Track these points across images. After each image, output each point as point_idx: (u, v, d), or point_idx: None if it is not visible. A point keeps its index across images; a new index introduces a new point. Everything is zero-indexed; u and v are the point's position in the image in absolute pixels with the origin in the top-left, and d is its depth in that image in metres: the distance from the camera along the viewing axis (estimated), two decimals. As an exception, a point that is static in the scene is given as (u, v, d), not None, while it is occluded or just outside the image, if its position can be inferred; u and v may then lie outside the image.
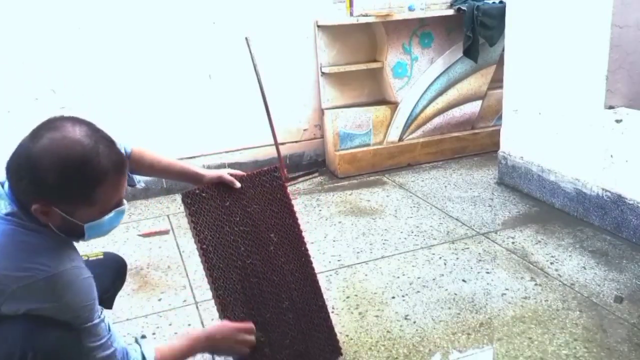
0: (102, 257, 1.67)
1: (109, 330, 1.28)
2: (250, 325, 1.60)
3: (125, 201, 1.27)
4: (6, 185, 1.18)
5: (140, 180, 1.64)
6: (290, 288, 1.77)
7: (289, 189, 3.72)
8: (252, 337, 1.59)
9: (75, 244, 1.27)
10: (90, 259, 1.61)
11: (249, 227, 1.73)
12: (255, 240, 1.73)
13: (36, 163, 1.09)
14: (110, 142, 1.18)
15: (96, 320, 1.23)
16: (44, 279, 1.13)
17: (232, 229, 1.70)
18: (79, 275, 1.20)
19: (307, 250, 1.84)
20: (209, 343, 1.54)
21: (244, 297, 1.67)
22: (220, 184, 1.71)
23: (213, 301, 1.70)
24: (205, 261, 1.65)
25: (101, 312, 1.27)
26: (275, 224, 1.78)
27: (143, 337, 1.43)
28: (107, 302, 1.61)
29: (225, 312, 1.64)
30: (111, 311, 1.78)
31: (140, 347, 1.37)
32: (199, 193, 1.67)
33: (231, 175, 1.74)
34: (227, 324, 1.58)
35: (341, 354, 1.87)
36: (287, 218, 1.82)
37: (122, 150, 1.39)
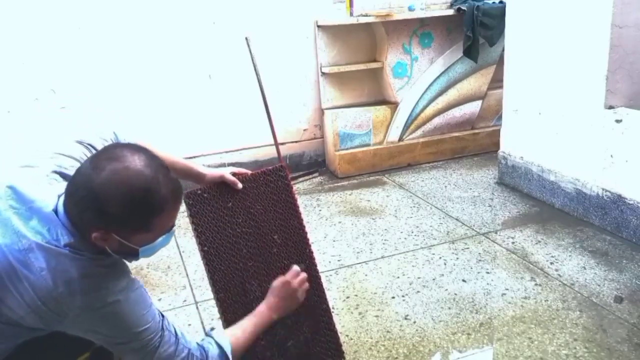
0: None
1: (176, 334, 1.31)
2: (293, 271, 1.59)
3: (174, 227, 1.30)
4: (60, 210, 1.17)
5: None
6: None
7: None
8: (301, 277, 1.59)
9: None
10: None
11: (251, 229, 1.70)
12: (258, 242, 1.70)
13: (100, 195, 1.10)
14: (167, 170, 1.19)
15: (159, 332, 1.26)
16: (103, 304, 1.17)
17: (235, 231, 1.67)
18: (131, 293, 1.23)
19: (312, 252, 1.80)
20: (272, 309, 1.54)
21: (244, 299, 1.66)
22: (223, 184, 1.68)
23: (214, 302, 1.70)
24: (206, 263, 1.63)
25: (161, 319, 1.29)
26: (279, 225, 1.74)
27: (212, 329, 1.44)
28: None
29: (225, 314, 1.63)
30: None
31: (214, 339, 1.39)
32: (201, 194, 1.65)
33: (235, 174, 1.71)
34: (275, 284, 1.58)
35: (344, 358, 1.85)
36: (292, 219, 1.77)
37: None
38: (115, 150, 1.16)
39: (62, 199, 1.17)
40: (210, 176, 1.68)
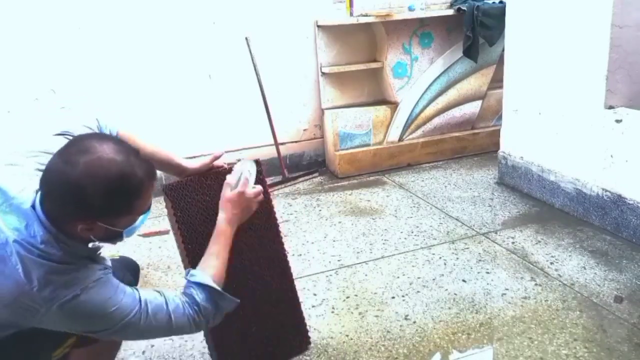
0: (117, 257, 1.69)
1: (163, 295, 1.33)
2: (244, 181, 1.58)
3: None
4: (37, 206, 1.19)
5: None
6: (266, 284, 1.82)
7: (291, 188, 3.75)
8: (258, 189, 1.60)
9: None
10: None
11: None
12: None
13: (80, 189, 1.12)
14: (137, 152, 1.22)
15: (138, 305, 1.27)
16: (72, 297, 1.18)
17: (214, 225, 1.68)
18: (98, 283, 1.24)
19: (283, 245, 1.87)
20: (232, 222, 1.54)
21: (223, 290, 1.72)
22: (202, 176, 1.69)
23: None
24: (187, 255, 1.66)
25: (137, 292, 1.30)
26: (254, 219, 1.76)
27: (190, 274, 1.44)
28: None
29: None
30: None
31: (195, 282, 1.40)
32: (182, 186, 1.66)
33: (213, 167, 1.73)
34: (229, 195, 1.56)
35: (309, 343, 1.97)
36: (266, 213, 1.81)
37: (108, 132, 1.51)
38: (83, 142, 1.18)
39: (39, 194, 1.20)
40: (192, 169, 1.68)
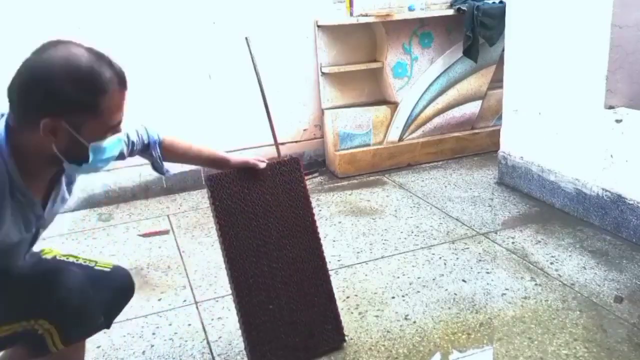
0: (108, 270, 1.51)
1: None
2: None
3: (122, 128, 1.28)
4: (1, 129, 1.18)
5: (169, 170, 1.78)
6: (300, 275, 1.85)
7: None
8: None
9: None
10: (97, 267, 1.49)
11: (266, 214, 1.80)
12: (271, 227, 1.81)
13: (48, 73, 1.12)
14: (110, 61, 1.21)
15: None
16: None
17: (250, 215, 1.78)
18: None
19: (319, 239, 1.90)
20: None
21: (256, 282, 1.76)
22: (242, 170, 1.79)
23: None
24: (222, 242, 1.72)
25: None
26: (291, 213, 1.84)
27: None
28: (106, 318, 1.45)
29: (240, 295, 1.73)
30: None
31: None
32: (222, 178, 1.75)
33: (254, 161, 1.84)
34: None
35: (344, 340, 1.95)
36: (303, 208, 1.87)
37: (156, 137, 1.75)
38: (58, 40, 1.18)
39: (4, 118, 1.19)
40: (234, 162, 1.80)
